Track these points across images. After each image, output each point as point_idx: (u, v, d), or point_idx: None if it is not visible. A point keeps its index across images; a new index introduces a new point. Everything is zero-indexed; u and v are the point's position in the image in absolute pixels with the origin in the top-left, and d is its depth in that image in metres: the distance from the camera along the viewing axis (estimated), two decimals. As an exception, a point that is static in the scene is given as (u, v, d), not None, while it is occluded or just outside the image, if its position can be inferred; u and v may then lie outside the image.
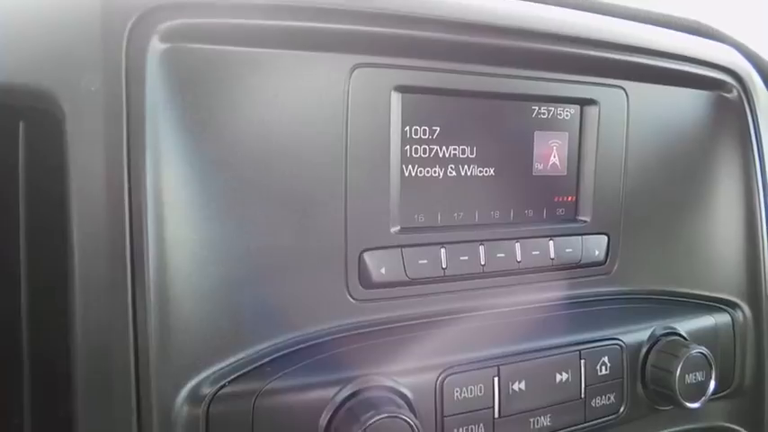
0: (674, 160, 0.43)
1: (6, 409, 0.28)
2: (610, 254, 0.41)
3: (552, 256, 0.38)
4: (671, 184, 0.43)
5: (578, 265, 0.40)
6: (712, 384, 0.38)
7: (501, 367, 0.33)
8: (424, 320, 0.35)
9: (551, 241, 0.39)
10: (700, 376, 0.37)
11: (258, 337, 0.29)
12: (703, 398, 0.37)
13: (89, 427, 0.25)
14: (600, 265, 0.41)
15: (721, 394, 0.43)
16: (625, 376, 0.37)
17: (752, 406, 0.44)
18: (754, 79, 0.44)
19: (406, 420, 0.28)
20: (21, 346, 0.28)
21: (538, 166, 0.39)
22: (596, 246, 0.41)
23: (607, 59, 0.38)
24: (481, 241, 0.36)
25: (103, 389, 0.25)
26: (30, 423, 0.27)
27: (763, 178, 0.44)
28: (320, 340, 0.31)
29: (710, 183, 0.43)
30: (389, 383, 0.30)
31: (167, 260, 0.26)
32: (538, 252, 0.38)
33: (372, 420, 0.27)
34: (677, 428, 0.43)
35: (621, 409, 0.37)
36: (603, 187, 0.40)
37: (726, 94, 0.43)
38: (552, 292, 0.39)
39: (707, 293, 0.43)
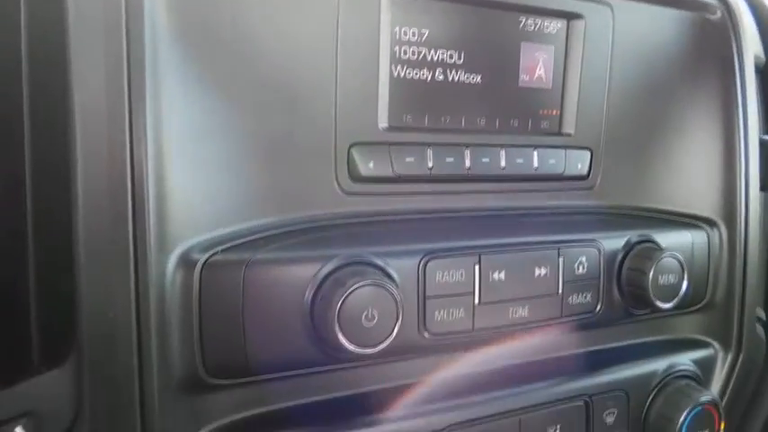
0: (656, 80, 0.43)
1: (10, 288, 0.29)
2: (592, 169, 0.42)
3: (536, 165, 0.39)
4: (653, 103, 0.43)
5: (561, 177, 0.41)
6: (684, 286, 0.39)
7: (482, 256, 0.34)
8: (410, 216, 0.36)
9: (535, 151, 0.39)
10: (672, 278, 0.39)
11: (250, 215, 0.31)
12: (675, 299, 0.39)
13: (90, 295, 0.26)
14: (583, 179, 0.42)
15: (694, 308, 0.45)
16: (601, 277, 0.38)
17: (722, 320, 0.46)
18: (738, 1, 0.44)
19: (389, 291, 0.29)
20: (25, 221, 0.29)
21: (524, 78, 0.39)
22: (579, 159, 0.41)
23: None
24: (467, 145, 0.37)
25: (103, 254, 0.26)
26: (35, 298, 0.28)
27: (743, 100, 0.44)
28: (310, 224, 0.33)
29: (692, 103, 0.44)
30: (375, 261, 0.31)
31: (163, 131, 0.27)
32: (522, 160, 0.39)
33: (357, 285, 0.28)
34: (653, 338, 0.44)
35: (597, 308, 0.38)
36: (587, 103, 0.41)
37: (710, 16, 0.44)
38: (535, 201, 0.40)
39: (686, 211, 0.44)
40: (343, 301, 0.28)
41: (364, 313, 0.29)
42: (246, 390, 0.30)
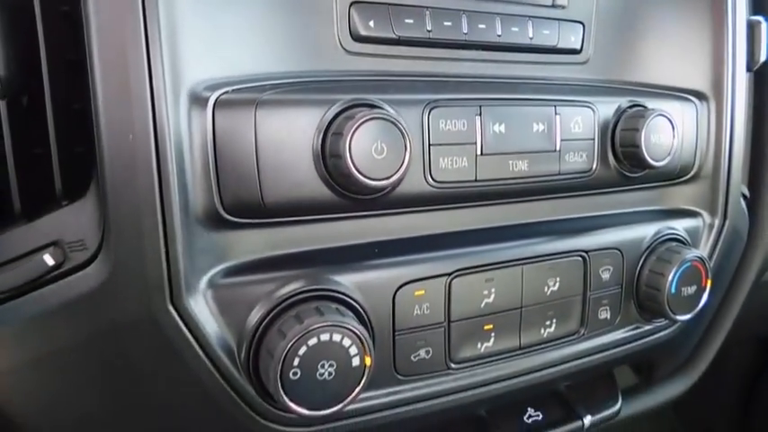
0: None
1: (31, 127, 0.29)
2: (585, 42, 0.42)
3: (530, 35, 0.39)
4: (643, -23, 0.44)
5: (555, 50, 0.41)
6: (675, 144, 0.40)
7: (482, 108, 0.35)
8: (411, 78, 0.36)
9: (530, 21, 0.40)
10: (664, 138, 0.40)
11: (257, 63, 0.31)
12: (668, 157, 0.40)
13: (108, 124, 0.27)
14: (576, 53, 0.42)
15: (683, 179, 0.46)
16: (596, 138, 0.39)
17: (709, 191, 0.47)
18: None
19: (397, 124, 0.30)
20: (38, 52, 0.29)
21: (518, -52, 0.39)
22: (572, 32, 0.42)
23: None
24: (464, 11, 0.37)
25: (120, 84, 0.26)
26: (55, 134, 0.28)
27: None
28: (314, 78, 0.33)
29: (681, -22, 0.45)
30: (382, 104, 0.31)
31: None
32: (517, 29, 0.39)
33: (367, 117, 0.29)
34: (646, 208, 0.45)
35: (593, 168, 0.39)
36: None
37: None
38: (530, 72, 0.41)
39: (676, 85, 0.45)
40: (353, 133, 0.29)
41: (374, 146, 0.29)
42: (263, 232, 0.31)
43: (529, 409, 0.44)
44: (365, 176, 0.29)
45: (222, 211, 0.29)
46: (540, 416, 0.44)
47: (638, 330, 0.44)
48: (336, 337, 0.29)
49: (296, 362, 0.28)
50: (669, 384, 0.56)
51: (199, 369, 0.29)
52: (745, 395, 1.35)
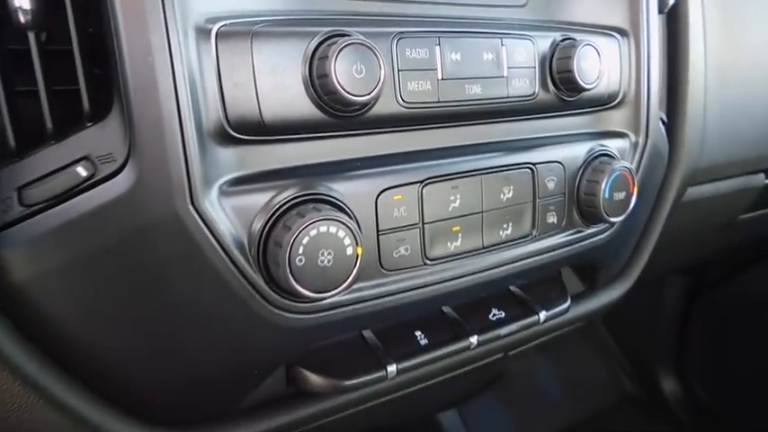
0: None
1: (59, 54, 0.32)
2: None
3: None
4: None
5: None
6: (601, 70, 0.46)
7: (441, 39, 0.40)
8: (380, 17, 0.41)
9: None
10: (592, 64, 0.46)
11: (249, 3, 0.35)
12: (597, 81, 0.46)
13: (130, 52, 0.30)
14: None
15: (612, 105, 0.53)
16: (536, 66, 0.45)
17: (633, 115, 0.54)
18: None
19: (369, 46, 0.34)
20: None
21: None
22: None
23: None
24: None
25: (138, 19, 0.30)
26: (81, 58, 0.31)
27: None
28: (299, 16, 0.37)
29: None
30: (355, 34, 0.36)
31: None
32: None
33: (347, 42, 0.34)
34: (582, 131, 0.52)
35: (535, 92, 0.45)
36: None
37: None
38: (481, 13, 0.46)
39: (601, 23, 0.52)
40: (337, 56, 0.33)
41: (354, 66, 0.34)
42: (264, 147, 0.35)
43: (493, 309, 0.50)
44: (348, 92, 0.34)
45: (228, 129, 0.34)
46: (503, 314, 0.50)
47: (581, 234, 0.51)
48: (333, 229, 0.34)
49: (300, 250, 0.33)
50: (609, 289, 0.64)
51: (216, 262, 0.33)
52: (679, 325, 1.48)
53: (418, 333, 0.46)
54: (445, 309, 0.49)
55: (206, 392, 0.40)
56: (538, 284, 0.53)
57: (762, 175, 0.79)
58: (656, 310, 1.52)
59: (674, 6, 0.58)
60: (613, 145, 0.52)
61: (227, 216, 0.34)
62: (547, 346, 0.67)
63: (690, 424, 1.43)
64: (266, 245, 0.34)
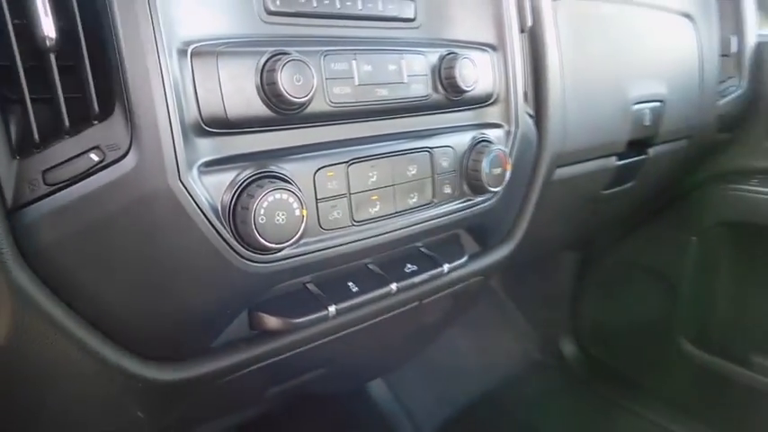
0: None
1: (69, 64, 0.42)
2: (416, 13, 0.62)
3: (381, 9, 0.58)
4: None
5: (398, 19, 0.60)
6: (477, 75, 0.62)
7: (357, 55, 0.53)
8: (310, 38, 0.54)
9: (380, 0, 0.59)
10: (472, 72, 0.61)
11: (213, 30, 0.47)
12: (474, 85, 0.62)
13: (130, 64, 0.41)
14: (412, 20, 0.62)
15: (489, 103, 0.69)
16: (429, 74, 0.60)
17: (506, 111, 0.71)
18: None
19: (304, 62, 0.47)
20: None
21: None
22: (408, 7, 0.61)
23: None
24: None
25: (136, 43, 0.41)
26: (90, 68, 0.42)
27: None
28: (251, 38, 0.49)
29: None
30: (293, 53, 0.49)
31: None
32: (372, 5, 0.57)
33: (289, 59, 0.46)
34: (468, 123, 0.67)
35: (428, 93, 0.60)
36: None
37: None
38: (381, 33, 0.60)
39: (477, 41, 0.68)
40: (282, 69, 0.46)
41: (294, 77, 0.47)
42: (229, 138, 0.47)
43: (407, 264, 0.65)
44: (290, 95, 0.47)
45: (203, 124, 0.45)
46: (416, 267, 0.65)
47: (470, 201, 0.66)
48: (284, 196, 0.47)
49: (262, 212, 0.46)
50: (498, 249, 0.81)
51: (197, 223, 0.45)
52: (573, 294, 1.72)
53: (350, 283, 0.60)
54: (370, 264, 0.63)
55: (187, 334, 0.51)
56: (441, 244, 0.69)
57: (614, 158, 1.00)
58: (554, 283, 1.75)
59: (533, 27, 0.76)
60: (491, 133, 0.69)
61: (205, 189, 0.45)
62: (455, 300, 0.83)
63: (589, 382, 1.66)
64: (235, 209, 0.46)
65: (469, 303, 0.98)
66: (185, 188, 0.44)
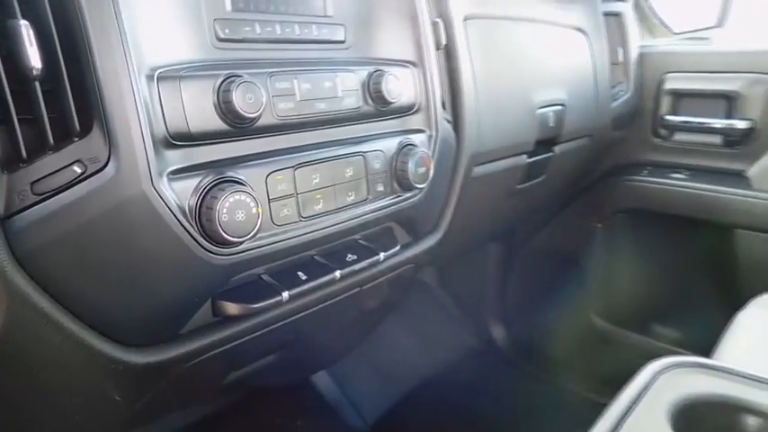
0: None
1: (52, 87, 0.49)
2: (346, 36, 0.73)
3: (316, 34, 0.68)
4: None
5: (331, 41, 0.71)
6: (400, 90, 0.73)
7: (298, 74, 0.63)
8: (258, 60, 0.63)
9: (315, 25, 0.69)
10: (397, 86, 0.72)
11: (175, 57, 0.55)
12: (398, 97, 0.73)
13: (105, 87, 0.49)
14: (342, 42, 0.73)
15: (412, 112, 0.80)
16: (360, 89, 0.70)
17: (427, 118, 0.82)
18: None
19: (254, 83, 0.56)
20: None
21: (301, -16, 0.68)
22: (339, 31, 0.71)
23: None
24: (277, 21, 0.65)
25: (110, 70, 0.49)
26: (71, 89, 0.49)
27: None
28: (207, 63, 0.58)
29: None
30: (244, 75, 0.58)
31: None
32: (308, 30, 0.67)
33: (242, 81, 0.55)
34: (396, 129, 0.78)
35: (360, 105, 0.70)
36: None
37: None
38: (319, 54, 0.70)
39: (400, 58, 0.79)
40: (236, 90, 0.55)
41: (247, 95, 0.56)
42: (192, 149, 0.55)
43: (348, 254, 0.75)
44: (244, 111, 0.56)
45: (170, 138, 0.53)
46: (356, 256, 0.75)
47: (400, 197, 0.77)
48: (243, 197, 0.55)
49: (224, 210, 0.54)
50: (427, 239, 0.92)
51: (169, 223, 0.53)
52: (500, 283, 1.88)
53: (299, 273, 0.69)
54: (316, 256, 0.72)
55: (161, 322, 0.59)
56: (377, 236, 0.79)
57: (525, 156, 1.15)
58: (482, 275, 1.91)
59: (447, 44, 0.89)
60: (415, 137, 0.80)
61: (174, 193, 0.53)
62: (390, 287, 0.93)
63: (518, 361, 1.82)
64: (200, 209, 0.54)
65: (403, 291, 1.09)
66: (157, 193, 0.52)
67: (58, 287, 0.51)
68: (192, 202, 0.55)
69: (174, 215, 0.53)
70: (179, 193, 0.54)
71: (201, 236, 0.55)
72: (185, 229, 0.54)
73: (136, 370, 0.57)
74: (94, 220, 0.50)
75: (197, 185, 0.55)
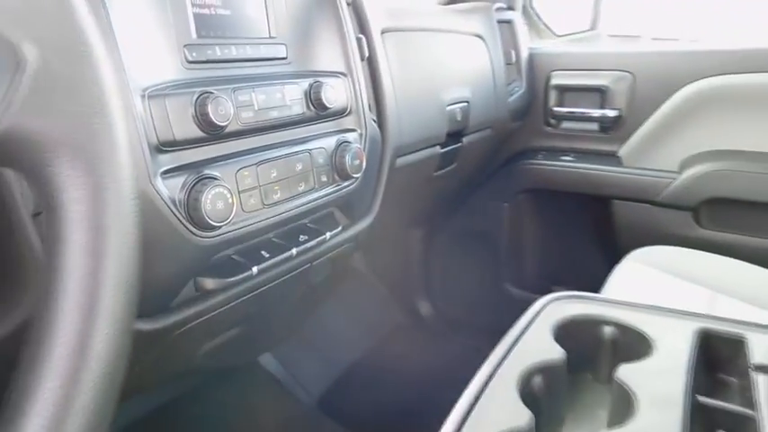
0: None
1: None
2: (288, 53, 0.88)
3: (263, 53, 0.84)
4: (308, 7, 0.92)
5: (276, 58, 0.86)
6: (336, 97, 0.90)
7: (255, 88, 0.78)
8: (224, 77, 0.77)
9: (262, 45, 0.84)
10: (331, 94, 0.89)
11: (160, 77, 0.68)
12: (335, 102, 0.90)
13: None
14: (285, 59, 0.88)
15: (346, 114, 0.98)
16: (303, 97, 0.86)
17: (358, 119, 1.00)
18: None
19: (223, 98, 0.71)
20: None
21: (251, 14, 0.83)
22: (281, 49, 0.87)
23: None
24: (233, 44, 0.79)
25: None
26: None
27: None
28: (182, 81, 0.71)
29: (320, 7, 0.95)
30: (215, 91, 0.72)
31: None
32: (258, 48, 0.83)
33: (215, 97, 0.70)
34: (333, 129, 0.95)
35: (304, 111, 0.87)
36: (279, 14, 0.87)
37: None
38: (270, 70, 0.85)
39: (333, 70, 0.95)
40: (211, 103, 0.69)
41: (218, 108, 0.70)
42: (177, 152, 0.69)
43: (300, 235, 0.91)
44: (216, 121, 0.70)
45: (159, 144, 0.67)
46: (306, 237, 0.91)
47: (340, 186, 0.94)
48: (221, 190, 0.70)
49: (208, 201, 0.68)
50: (361, 221, 1.10)
51: (165, 213, 0.66)
52: (424, 262, 2.09)
53: (263, 252, 0.84)
54: (274, 238, 0.88)
55: (157, 296, 0.72)
56: (322, 219, 0.96)
57: (438, 147, 1.36)
58: (407, 258, 2.12)
59: (369, 56, 1.06)
60: (350, 136, 0.97)
61: (167, 189, 0.67)
62: (333, 264, 1.10)
63: (443, 332, 2.04)
64: (188, 201, 0.68)
65: (343, 268, 1.26)
66: (154, 189, 0.65)
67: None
68: (181, 195, 0.68)
69: (169, 207, 0.67)
70: (170, 189, 0.68)
71: (189, 223, 0.69)
72: (177, 217, 0.68)
73: (143, 335, 0.70)
74: (106, 214, 0.63)
75: (183, 182, 0.69)
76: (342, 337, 1.90)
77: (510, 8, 1.69)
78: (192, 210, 0.69)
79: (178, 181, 0.69)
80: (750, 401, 0.59)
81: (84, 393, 0.30)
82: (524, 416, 0.56)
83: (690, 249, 1.31)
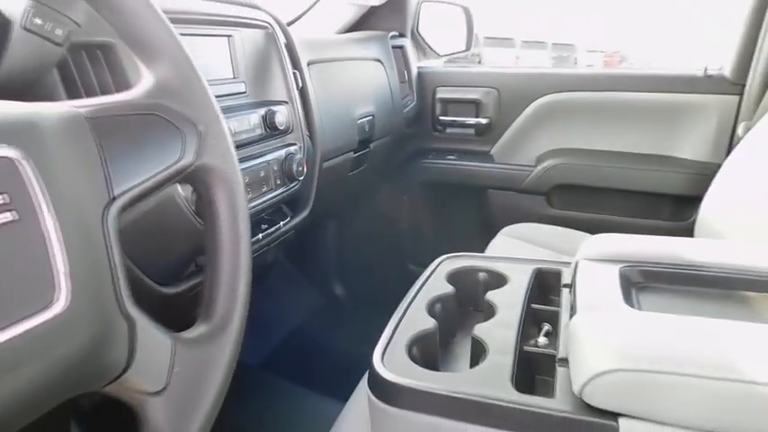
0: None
1: None
2: (246, 88, 1.20)
3: (231, 89, 1.15)
4: (264, 50, 1.24)
5: (237, 93, 1.17)
6: (284, 120, 1.23)
7: (228, 117, 1.09)
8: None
9: (228, 84, 1.15)
10: (282, 118, 1.22)
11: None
12: (283, 124, 1.23)
13: None
14: (245, 93, 1.20)
15: (289, 132, 1.30)
16: (260, 122, 1.19)
17: (298, 135, 1.33)
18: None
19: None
20: None
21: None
22: (241, 85, 1.19)
23: None
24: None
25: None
26: None
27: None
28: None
29: (266, 57, 1.27)
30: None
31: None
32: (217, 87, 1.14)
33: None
34: (283, 143, 1.27)
35: (263, 132, 1.19)
36: (239, 58, 1.18)
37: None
38: (235, 102, 1.16)
39: (279, 99, 1.28)
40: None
41: (213, 134, 1.01)
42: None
43: (262, 225, 1.23)
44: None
45: (175, 162, 0.97)
46: (267, 225, 1.23)
47: (288, 186, 1.27)
48: (218, 192, 1.01)
49: (210, 200, 0.99)
50: (301, 213, 1.43)
51: (183, 208, 0.96)
52: (337, 249, 2.45)
53: (238, 237, 1.15)
54: (244, 227, 1.19)
55: (174, 268, 1.01)
56: (276, 213, 1.29)
57: (352, 152, 1.72)
58: (324, 246, 2.46)
59: (302, 86, 1.40)
60: (293, 148, 1.30)
61: (182, 190, 0.97)
62: (279, 247, 1.42)
63: (355, 308, 2.41)
64: (195, 199, 0.99)
65: (283, 252, 1.59)
66: (177, 192, 0.95)
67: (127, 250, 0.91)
68: (188, 194, 0.99)
69: (184, 203, 0.97)
70: (183, 190, 0.98)
71: (195, 213, 1.00)
72: (188, 210, 0.98)
73: (167, 297, 1.00)
74: (146, 212, 0.92)
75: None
76: (272, 317, 2.21)
77: (402, 35, 2.09)
78: (197, 204, 0.99)
79: (187, 186, 0.99)
80: (558, 304, 1.02)
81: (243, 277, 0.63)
82: (431, 323, 0.94)
83: (544, 225, 1.79)
